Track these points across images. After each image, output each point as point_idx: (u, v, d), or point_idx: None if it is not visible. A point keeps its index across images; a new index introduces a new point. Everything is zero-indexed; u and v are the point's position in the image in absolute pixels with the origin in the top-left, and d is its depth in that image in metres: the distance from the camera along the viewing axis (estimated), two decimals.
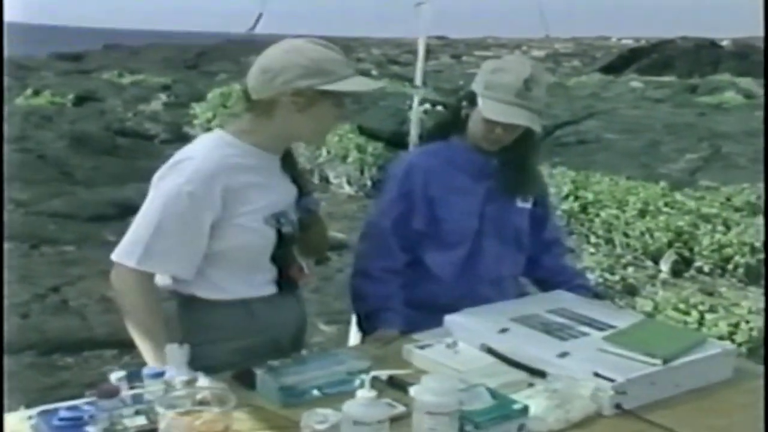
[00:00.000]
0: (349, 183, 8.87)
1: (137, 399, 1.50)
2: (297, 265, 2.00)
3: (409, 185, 2.29)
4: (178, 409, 1.36)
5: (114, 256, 1.81)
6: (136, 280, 1.79)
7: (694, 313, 4.01)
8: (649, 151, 11.31)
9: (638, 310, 4.04)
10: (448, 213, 2.29)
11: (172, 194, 1.78)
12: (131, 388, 1.51)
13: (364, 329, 2.31)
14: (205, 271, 1.86)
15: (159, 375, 1.54)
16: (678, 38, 31.29)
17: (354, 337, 2.88)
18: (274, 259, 1.92)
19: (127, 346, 1.84)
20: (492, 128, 2.22)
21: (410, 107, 8.38)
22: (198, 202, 1.77)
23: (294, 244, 1.98)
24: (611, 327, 1.97)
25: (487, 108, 2.20)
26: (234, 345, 1.88)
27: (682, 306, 4.11)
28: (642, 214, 6.62)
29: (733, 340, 3.74)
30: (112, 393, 1.46)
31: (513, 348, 1.86)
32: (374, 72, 26.62)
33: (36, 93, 11.55)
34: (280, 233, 1.89)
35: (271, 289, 1.94)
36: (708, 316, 3.97)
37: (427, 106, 6.05)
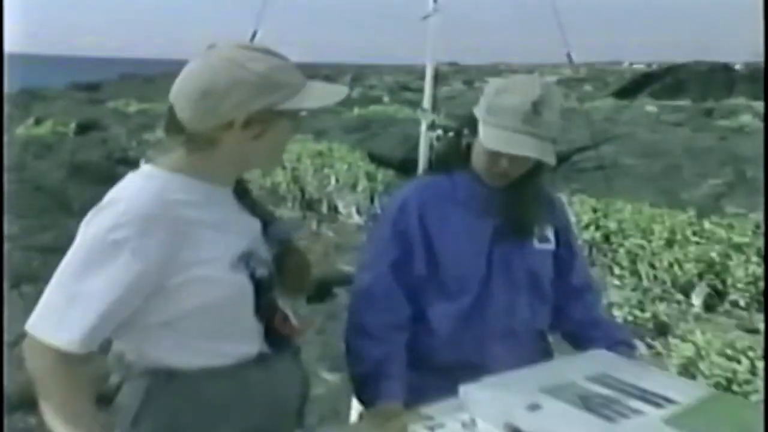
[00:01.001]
0: (358, 212, 8.51)
1: None
2: (280, 314, 1.61)
3: (402, 224, 1.93)
4: None
5: (27, 326, 1.43)
6: (51, 357, 1.40)
7: (744, 361, 3.58)
8: (669, 176, 10.91)
9: (678, 356, 3.63)
10: (447, 255, 1.92)
11: (94, 244, 1.40)
12: None
13: (361, 397, 1.91)
14: (177, 337, 1.49)
15: None
16: (691, 62, 31.14)
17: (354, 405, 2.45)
18: (256, 311, 1.55)
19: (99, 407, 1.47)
20: (496, 160, 1.86)
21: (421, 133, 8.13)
22: (127, 254, 1.39)
23: (271, 290, 1.59)
24: (669, 401, 1.57)
25: (489, 136, 1.85)
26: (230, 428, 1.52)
27: (729, 351, 3.69)
28: (669, 243, 6.19)
29: None
30: None
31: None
32: (386, 98, 26.47)
33: (38, 122, 11.32)
34: (253, 278, 1.52)
35: (262, 348, 1.57)
36: (759, 364, 3.54)
37: (440, 132, 5.75)
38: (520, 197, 1.93)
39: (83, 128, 11.51)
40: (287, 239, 1.66)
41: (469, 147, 1.93)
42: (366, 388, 1.86)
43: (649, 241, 6.26)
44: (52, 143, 9.55)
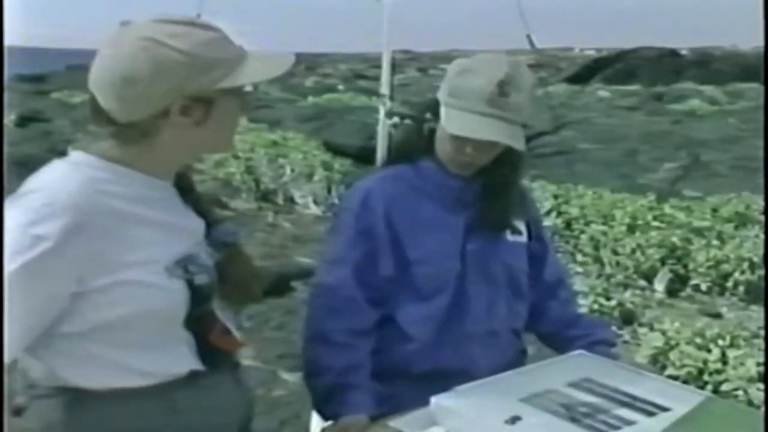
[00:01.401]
0: (315, 203, 8.30)
1: None
2: (219, 327, 1.41)
3: (366, 220, 1.75)
4: None
5: None
6: None
7: (715, 350, 3.50)
8: (626, 160, 10.95)
9: (648, 346, 3.53)
10: (419, 253, 1.75)
11: (11, 240, 1.19)
12: None
13: (323, 411, 1.74)
14: (92, 350, 1.28)
15: None
16: (640, 48, 31.56)
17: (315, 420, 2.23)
18: (188, 323, 1.35)
19: None
20: (461, 147, 1.70)
21: (378, 121, 7.97)
22: (50, 252, 1.19)
23: (210, 299, 1.39)
24: (660, 409, 1.44)
25: (452, 121, 1.69)
26: None
27: (698, 340, 3.60)
28: (631, 229, 6.14)
29: None
30: None
31: None
32: (341, 87, 26.20)
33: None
34: (191, 286, 1.32)
35: (194, 365, 1.36)
36: (731, 353, 3.46)
37: (396, 119, 5.61)
38: (493, 186, 1.77)
39: (24, 120, 11.05)
40: (232, 242, 1.48)
41: (432, 133, 1.77)
42: (328, 400, 1.70)
43: (611, 227, 6.21)
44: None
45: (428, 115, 1.77)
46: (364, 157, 10.10)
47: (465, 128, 1.67)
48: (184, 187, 1.42)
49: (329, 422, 1.69)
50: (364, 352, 1.72)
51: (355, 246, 1.74)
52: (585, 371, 1.62)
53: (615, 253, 5.95)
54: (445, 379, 1.56)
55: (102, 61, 1.28)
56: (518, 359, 1.85)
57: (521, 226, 1.86)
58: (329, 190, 8.22)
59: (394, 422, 1.53)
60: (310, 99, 17.66)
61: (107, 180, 1.28)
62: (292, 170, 8.51)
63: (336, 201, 8.13)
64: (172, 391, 1.33)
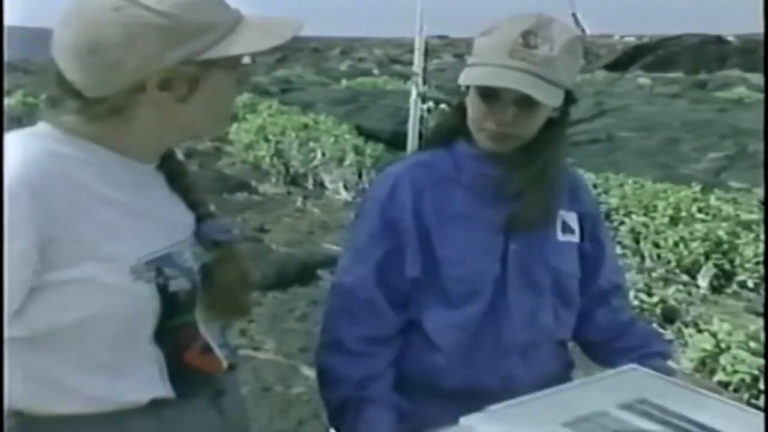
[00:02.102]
0: (345, 188, 8.12)
1: None
2: (199, 343, 1.20)
3: (393, 212, 1.53)
4: None
5: None
6: None
7: None
8: (667, 150, 10.59)
9: (695, 349, 3.29)
10: (450, 252, 1.53)
11: None
12: None
13: (338, 426, 1.54)
14: (36, 364, 1.08)
15: None
16: (683, 34, 30.92)
17: None
18: (159, 337, 1.14)
19: None
20: (487, 111, 1.47)
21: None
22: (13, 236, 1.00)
23: (191, 310, 1.18)
24: None
25: (469, 75, 1.48)
26: None
27: (752, 344, 3.34)
28: (673, 221, 5.86)
29: None
30: None
31: None
32: (375, 71, 25.99)
33: (7, 93, 10.80)
34: (164, 292, 1.12)
35: (160, 391, 1.14)
36: None
37: (431, 104, 5.41)
38: (539, 175, 1.54)
39: (55, 100, 11.04)
40: (225, 241, 1.25)
41: (466, 110, 1.55)
42: (343, 415, 1.49)
43: (653, 219, 5.93)
44: (20, 115, 9.08)
45: (463, 89, 1.55)
46: (396, 142, 9.90)
47: (481, 78, 1.46)
48: (173, 173, 1.22)
49: None
50: (385, 361, 1.52)
51: (378, 241, 1.53)
52: (639, 390, 1.40)
53: (656, 246, 5.68)
54: (478, 397, 1.36)
55: (65, 22, 1.08)
56: (563, 374, 1.64)
57: (573, 222, 1.63)
58: (360, 176, 8.03)
59: None
60: (344, 82, 17.46)
61: (71, 156, 1.08)
62: (323, 154, 8.34)
63: (366, 187, 7.98)
64: (127, 422, 1.11)
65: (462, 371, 1.53)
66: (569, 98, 1.53)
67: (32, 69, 20.11)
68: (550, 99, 1.44)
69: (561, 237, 1.60)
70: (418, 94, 3.37)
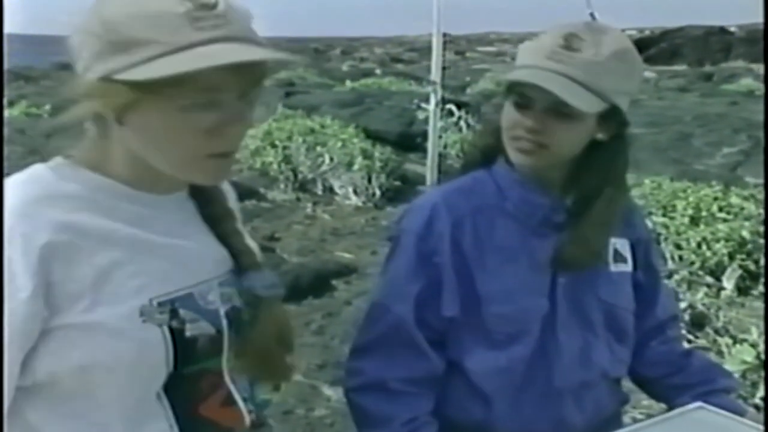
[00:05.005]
0: (355, 193, 7.98)
1: None
2: (221, 394, 1.07)
3: (431, 245, 1.40)
4: None
5: None
6: None
7: None
8: (679, 145, 10.44)
9: (737, 360, 3.14)
10: (494, 288, 1.39)
11: None
12: None
13: None
14: (36, 420, 0.98)
15: None
16: (686, 26, 30.78)
17: None
18: (172, 386, 1.01)
19: None
20: (516, 120, 1.35)
21: (418, 107, 7.57)
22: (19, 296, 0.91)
23: (215, 356, 1.05)
24: None
25: (511, 75, 1.37)
26: None
27: None
28: (694, 221, 5.71)
29: None
30: None
31: None
32: (378, 71, 25.83)
33: (11, 104, 10.65)
34: (179, 337, 0.99)
35: None
36: None
37: (452, 106, 5.26)
38: (587, 202, 1.40)
39: (58, 110, 10.95)
40: (268, 296, 1.11)
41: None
42: None
43: (672, 219, 5.78)
44: (24, 127, 8.95)
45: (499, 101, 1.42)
46: (403, 144, 9.80)
47: (515, 74, 1.34)
48: (203, 202, 1.10)
49: None
50: (428, 403, 1.39)
51: (415, 277, 1.39)
52: None
53: (678, 247, 5.53)
54: None
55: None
56: (618, 413, 1.51)
57: (625, 250, 1.49)
58: (369, 179, 7.90)
59: None
60: (348, 84, 17.32)
61: (70, 195, 0.98)
62: (331, 159, 8.20)
63: (376, 191, 7.85)
64: None
65: (509, 417, 1.39)
66: (619, 119, 1.39)
67: (34, 76, 20.09)
68: (583, 104, 1.30)
69: (613, 267, 1.47)
70: (437, 104, 3.21)
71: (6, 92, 12.24)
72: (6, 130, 9.08)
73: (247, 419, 1.09)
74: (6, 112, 10.11)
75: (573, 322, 1.42)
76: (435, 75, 3.28)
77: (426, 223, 1.41)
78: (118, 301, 0.96)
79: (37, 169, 1.01)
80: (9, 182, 0.98)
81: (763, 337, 3.34)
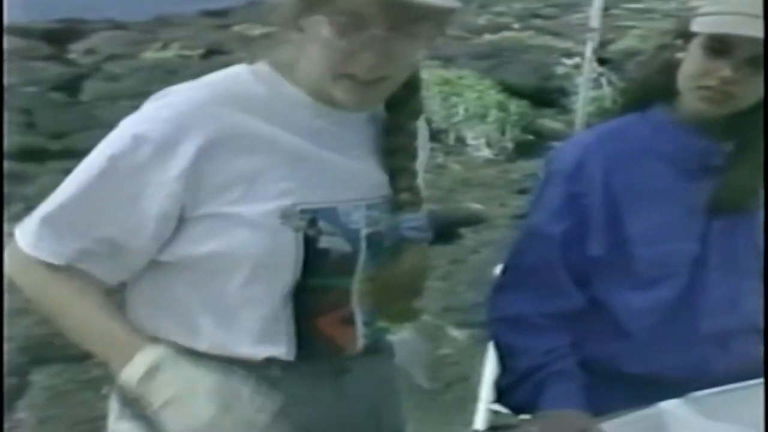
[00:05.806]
0: (488, 145, 7.96)
1: None
2: (342, 313, 1.10)
3: (581, 185, 1.41)
4: None
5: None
6: (30, 272, 1.07)
7: None
8: None
9: None
10: (643, 230, 1.41)
11: (114, 139, 1.03)
12: None
13: (515, 402, 1.46)
14: (174, 291, 1.09)
15: None
16: None
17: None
18: (296, 294, 1.05)
19: None
20: (708, 67, 1.32)
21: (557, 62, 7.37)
22: (154, 154, 1.00)
23: (346, 275, 1.08)
24: None
25: (704, 23, 1.33)
26: None
27: None
28: None
29: None
30: None
31: None
32: (516, 26, 25.26)
33: (164, 47, 11.23)
34: (311, 246, 1.03)
35: (279, 352, 1.07)
36: None
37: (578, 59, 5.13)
38: (750, 144, 1.38)
39: (209, 53, 11.42)
40: (415, 239, 1.12)
41: (675, 68, 1.39)
42: (524, 387, 1.41)
43: None
44: (177, 68, 9.43)
45: (679, 42, 1.39)
46: (539, 98, 9.61)
47: (719, 25, 1.31)
48: (385, 129, 1.14)
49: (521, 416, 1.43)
50: (569, 339, 1.43)
51: (562, 216, 1.42)
52: None
53: None
54: (662, 385, 1.27)
55: None
56: (760, 366, 1.50)
57: None
58: (503, 132, 7.85)
59: (610, 424, 1.25)
60: (486, 36, 17.07)
61: (252, 96, 1.06)
62: (466, 110, 8.20)
63: (509, 145, 7.79)
64: (235, 374, 1.04)
65: (650, 357, 1.41)
66: None
67: (184, 23, 21.06)
68: None
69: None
70: (594, 53, 3.14)
71: (158, 37, 12.99)
72: (159, 72, 9.63)
73: (361, 342, 1.13)
74: (159, 54, 10.73)
75: (725, 267, 1.42)
76: (594, 21, 3.22)
77: (577, 164, 1.43)
78: (263, 200, 1.01)
79: (238, 68, 1.09)
80: (211, 76, 1.08)
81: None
